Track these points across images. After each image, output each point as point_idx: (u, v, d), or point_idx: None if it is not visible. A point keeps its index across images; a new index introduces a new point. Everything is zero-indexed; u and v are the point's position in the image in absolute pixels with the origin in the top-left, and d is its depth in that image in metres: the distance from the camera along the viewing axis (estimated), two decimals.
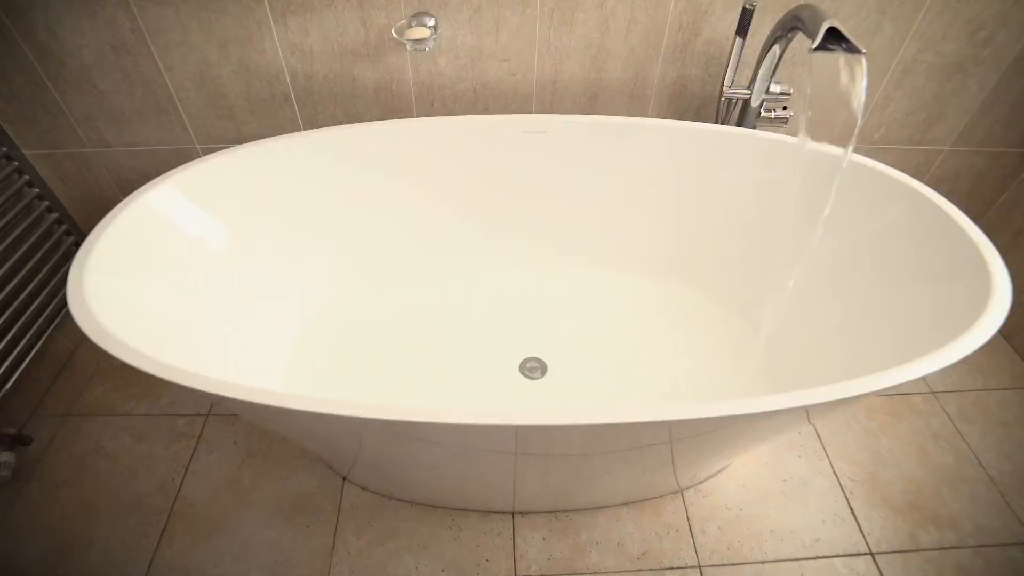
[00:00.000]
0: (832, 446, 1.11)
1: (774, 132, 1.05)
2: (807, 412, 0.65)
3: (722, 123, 1.11)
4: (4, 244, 1.08)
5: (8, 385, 1.05)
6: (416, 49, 1.02)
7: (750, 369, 1.08)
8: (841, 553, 0.96)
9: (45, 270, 1.17)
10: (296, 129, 1.18)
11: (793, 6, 0.91)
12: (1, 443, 1.03)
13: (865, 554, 0.96)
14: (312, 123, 1.17)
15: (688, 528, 0.99)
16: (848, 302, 0.97)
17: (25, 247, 1.13)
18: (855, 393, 0.62)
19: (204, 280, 0.94)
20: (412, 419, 0.59)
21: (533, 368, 1.10)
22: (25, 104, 1.10)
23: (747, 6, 0.95)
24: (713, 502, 1.02)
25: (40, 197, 1.18)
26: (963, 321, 0.70)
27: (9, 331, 1.07)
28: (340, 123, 1.17)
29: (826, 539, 0.98)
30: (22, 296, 1.11)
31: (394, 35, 1.02)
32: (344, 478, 1.04)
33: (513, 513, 1.00)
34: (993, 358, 1.28)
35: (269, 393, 0.60)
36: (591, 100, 1.16)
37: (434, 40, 1.02)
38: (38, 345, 1.14)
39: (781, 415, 0.63)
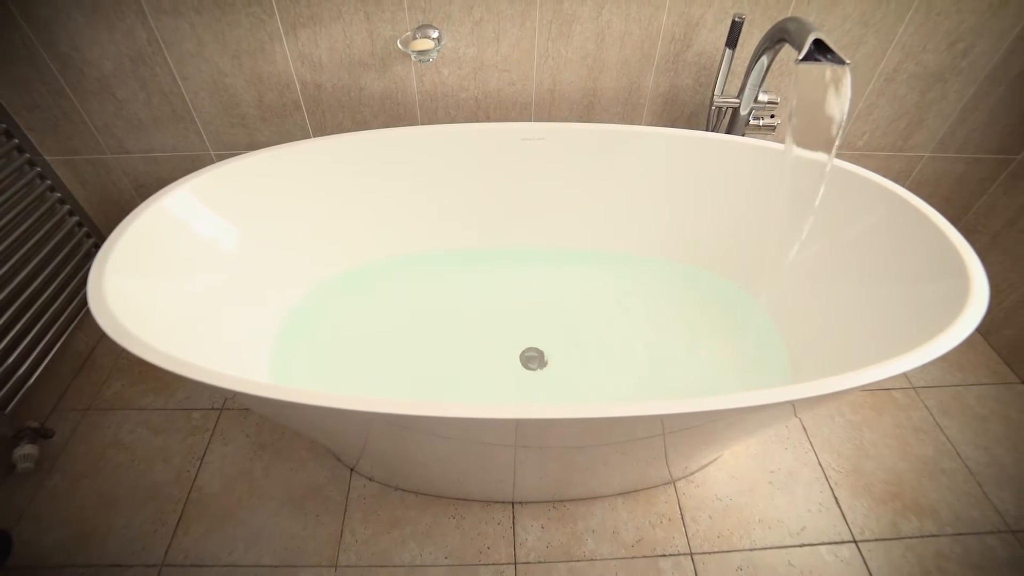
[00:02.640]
0: (817, 439, 1.11)
1: (762, 139, 1.05)
2: (794, 406, 0.65)
3: (712, 130, 1.11)
4: (28, 246, 1.08)
5: (31, 380, 1.06)
6: (420, 60, 1.02)
7: (741, 362, 1.08)
8: (826, 541, 0.96)
9: (66, 271, 1.18)
10: (306, 136, 1.18)
11: (780, 19, 0.91)
12: (24, 436, 1.04)
13: (849, 542, 0.96)
14: (321, 130, 1.17)
15: (680, 517, 0.99)
16: (833, 301, 0.97)
17: (47, 249, 1.13)
18: (840, 388, 0.62)
19: (217, 279, 0.94)
20: (416, 413, 0.59)
21: (532, 358, 1.10)
22: (47, 112, 1.11)
23: (736, 19, 0.95)
24: (704, 492, 1.02)
25: (61, 201, 1.19)
26: (943, 319, 0.70)
27: (32, 329, 1.08)
28: (348, 130, 1.17)
29: (812, 528, 0.98)
30: (44, 295, 1.11)
31: (399, 46, 1.02)
32: (352, 469, 1.05)
33: (513, 503, 1.00)
34: (971, 355, 1.28)
35: (281, 388, 0.60)
36: (587, 108, 1.16)
37: (437, 51, 1.02)
38: (60, 342, 1.14)
39: (769, 409, 0.64)
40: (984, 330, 1.33)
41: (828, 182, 0.91)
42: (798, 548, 0.95)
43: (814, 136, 0.81)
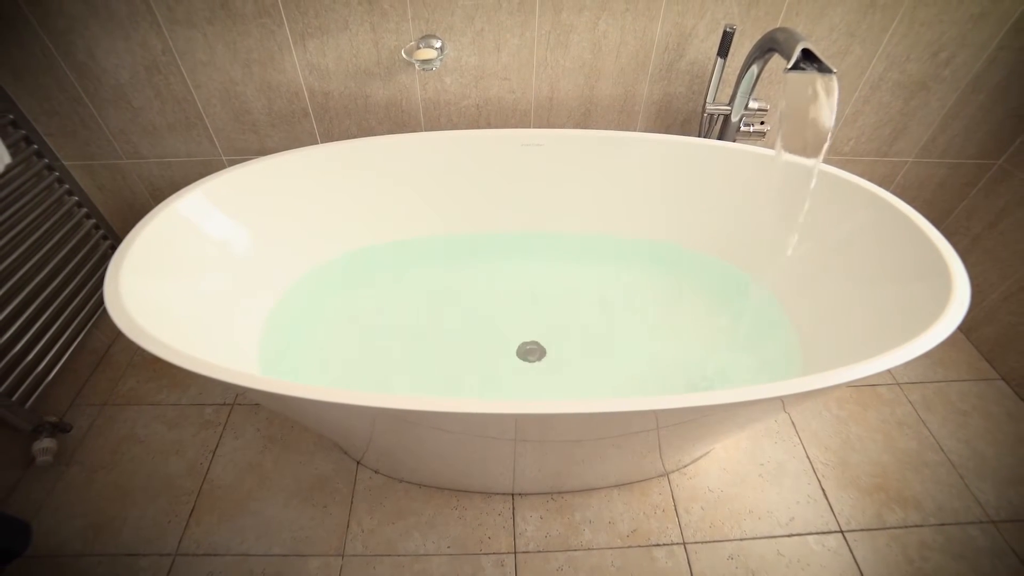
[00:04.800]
0: (806, 433, 1.11)
1: (752, 145, 1.05)
2: (782, 402, 0.65)
3: (705, 136, 1.11)
4: (47, 248, 1.08)
5: (50, 377, 1.06)
6: (424, 69, 1.02)
7: (734, 358, 1.07)
8: (814, 531, 0.96)
9: (84, 271, 1.18)
10: (314, 142, 1.17)
11: (770, 29, 0.91)
12: (43, 430, 1.04)
13: (836, 532, 0.96)
14: (328, 136, 1.17)
15: (673, 508, 0.99)
16: (821, 300, 0.97)
17: (65, 250, 1.13)
18: (827, 384, 0.62)
19: (227, 279, 0.94)
20: (419, 408, 0.59)
21: (532, 351, 1.09)
22: (65, 119, 1.11)
23: (728, 29, 0.95)
24: (696, 484, 1.02)
25: (79, 204, 1.19)
26: (926, 318, 0.70)
27: (51, 327, 1.08)
28: (354, 136, 1.16)
29: (800, 518, 0.98)
30: (63, 295, 1.11)
31: (404, 56, 1.02)
32: (358, 462, 1.04)
33: (513, 494, 1.00)
34: (953, 352, 1.28)
35: (289, 384, 0.60)
36: (584, 115, 1.16)
37: (440, 60, 1.02)
38: (77, 340, 1.14)
39: (758, 404, 0.64)
40: (965, 328, 1.32)
41: (816, 186, 0.91)
42: (787, 538, 0.95)
43: (802, 142, 0.81)
